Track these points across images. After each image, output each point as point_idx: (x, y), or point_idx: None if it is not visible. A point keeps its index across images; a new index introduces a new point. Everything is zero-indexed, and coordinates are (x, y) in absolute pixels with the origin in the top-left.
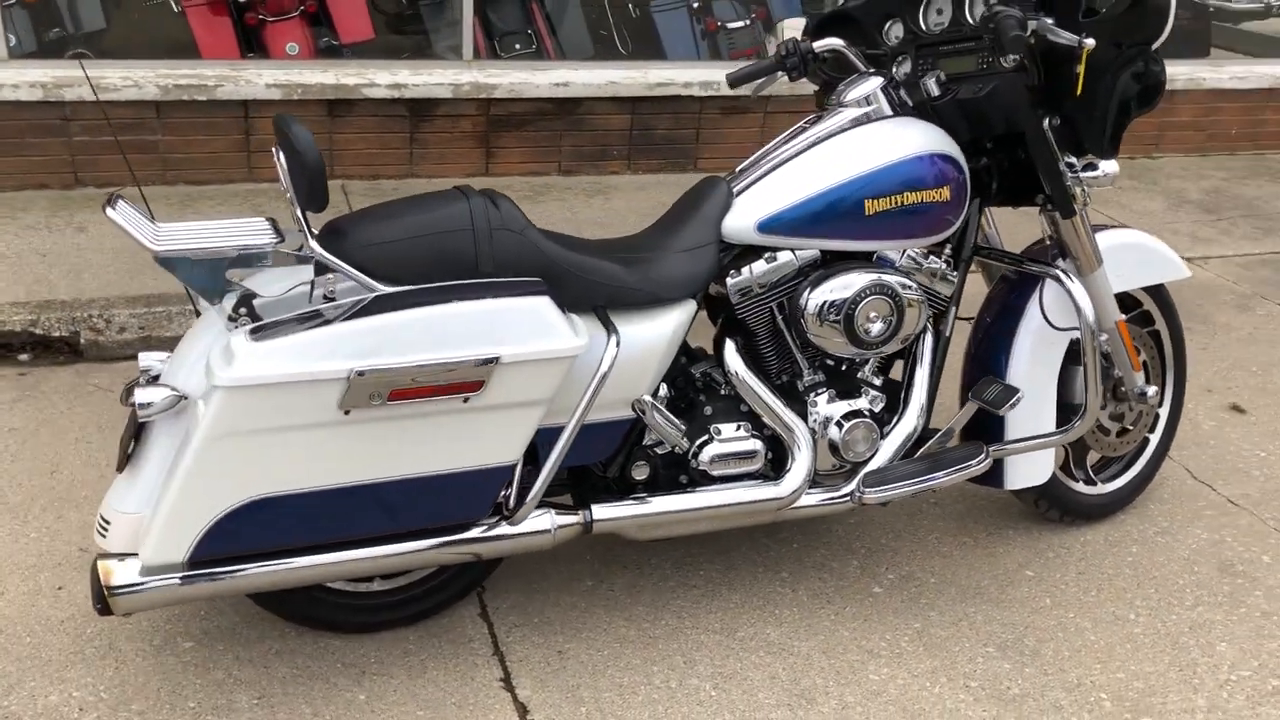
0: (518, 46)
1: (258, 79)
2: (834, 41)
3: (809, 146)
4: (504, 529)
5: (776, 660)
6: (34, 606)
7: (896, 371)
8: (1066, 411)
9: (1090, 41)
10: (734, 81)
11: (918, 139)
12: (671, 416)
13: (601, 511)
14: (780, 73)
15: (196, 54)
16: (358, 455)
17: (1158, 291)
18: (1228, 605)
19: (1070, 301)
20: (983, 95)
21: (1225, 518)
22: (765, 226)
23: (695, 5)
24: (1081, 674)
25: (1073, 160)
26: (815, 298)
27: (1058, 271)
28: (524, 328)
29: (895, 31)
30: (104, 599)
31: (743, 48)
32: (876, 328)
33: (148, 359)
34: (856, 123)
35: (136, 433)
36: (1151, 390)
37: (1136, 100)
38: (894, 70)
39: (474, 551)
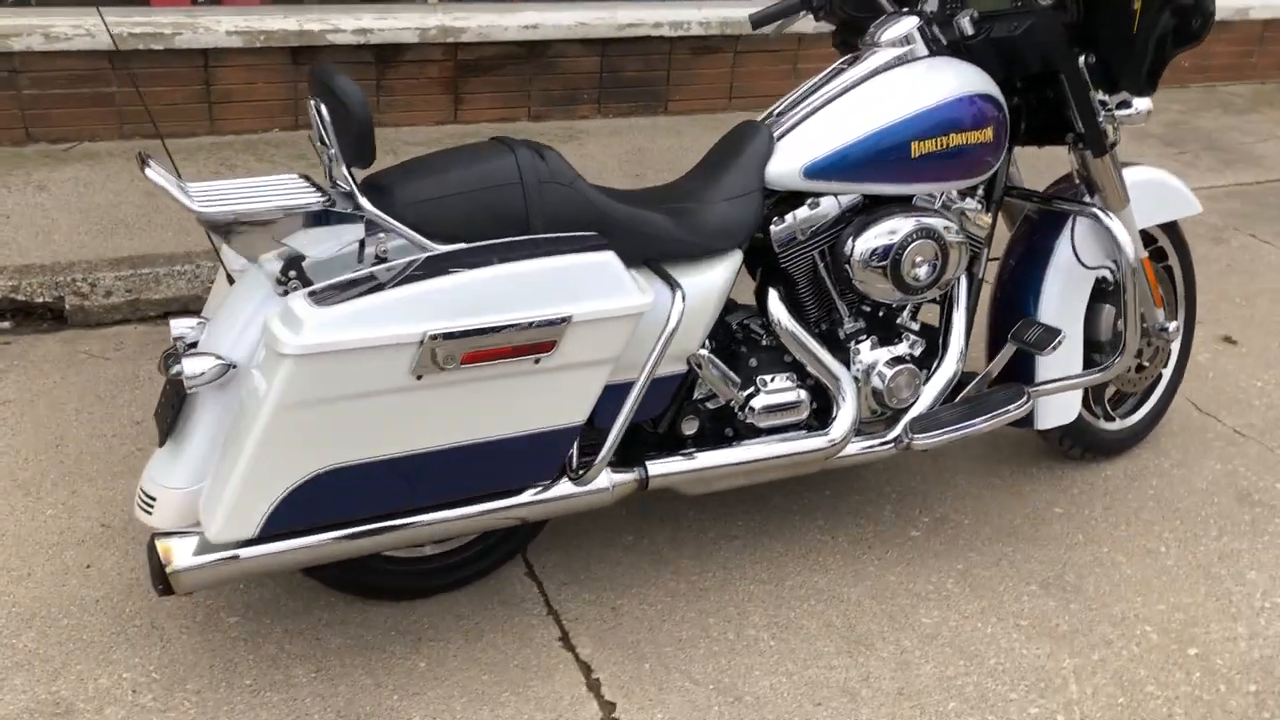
0: None
1: (217, 26)
2: None
3: (849, 88)
4: (565, 489)
5: (829, 608)
6: (65, 586)
7: (925, 315)
8: (1089, 349)
9: None
10: (757, 22)
11: (961, 79)
12: (727, 369)
13: (657, 468)
14: (804, 11)
15: (144, 0)
16: (429, 421)
17: (1172, 227)
18: (1251, 534)
19: (1100, 239)
20: (1019, 34)
21: (1234, 448)
22: (811, 171)
23: None
24: (1124, 608)
25: (1104, 98)
26: (862, 244)
27: (1095, 210)
28: (593, 284)
29: None
30: (165, 578)
31: None
32: (923, 271)
33: (180, 325)
34: (895, 63)
35: (177, 404)
36: (1173, 325)
37: (1176, 36)
38: (921, 8)
39: (540, 512)
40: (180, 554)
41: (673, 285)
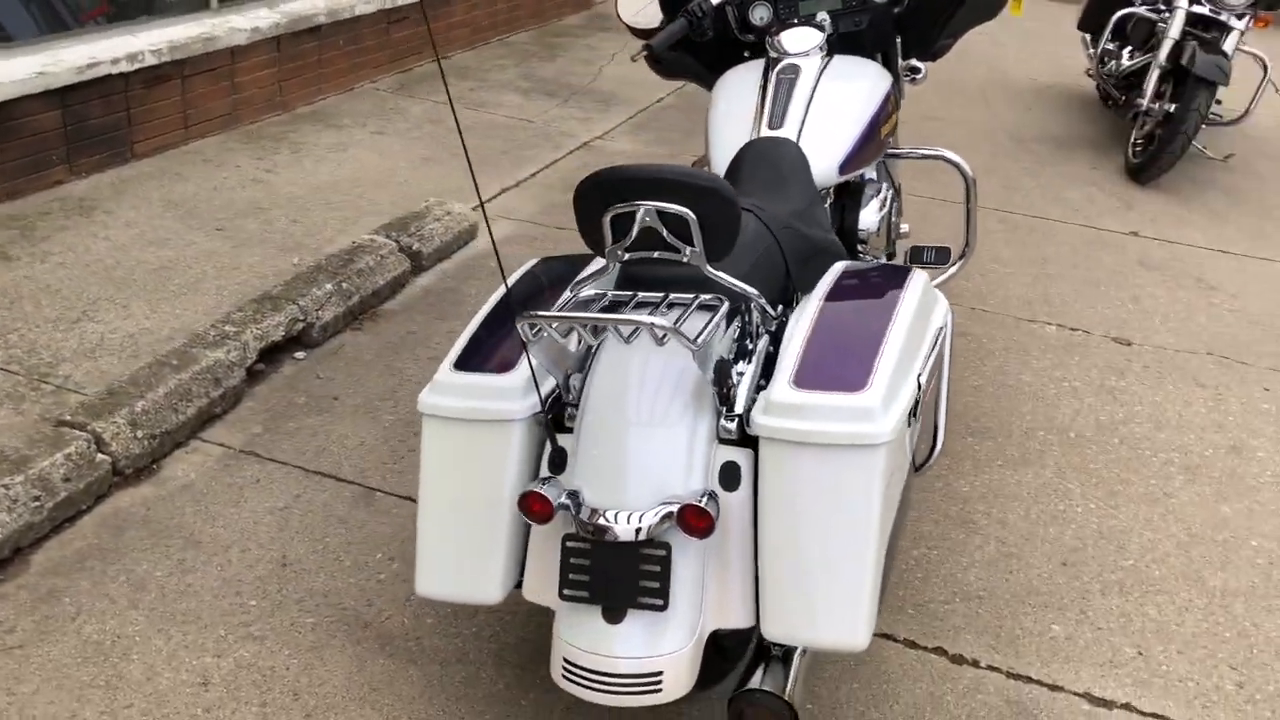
0: None
1: None
2: None
3: (813, 91)
4: None
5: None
6: None
7: None
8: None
9: None
10: (659, 47)
11: (883, 72)
12: None
13: None
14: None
15: None
16: (897, 468)
17: None
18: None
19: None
20: (864, 27)
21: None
22: (843, 166)
23: None
24: (1057, 462)
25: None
26: (867, 217)
27: (941, 152)
28: (925, 301)
29: None
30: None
31: (92, 8)
32: (899, 227)
33: (552, 492)
34: (824, 66)
35: (661, 563)
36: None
37: (974, 16)
38: (752, 16)
39: None
40: (776, 685)
41: None
